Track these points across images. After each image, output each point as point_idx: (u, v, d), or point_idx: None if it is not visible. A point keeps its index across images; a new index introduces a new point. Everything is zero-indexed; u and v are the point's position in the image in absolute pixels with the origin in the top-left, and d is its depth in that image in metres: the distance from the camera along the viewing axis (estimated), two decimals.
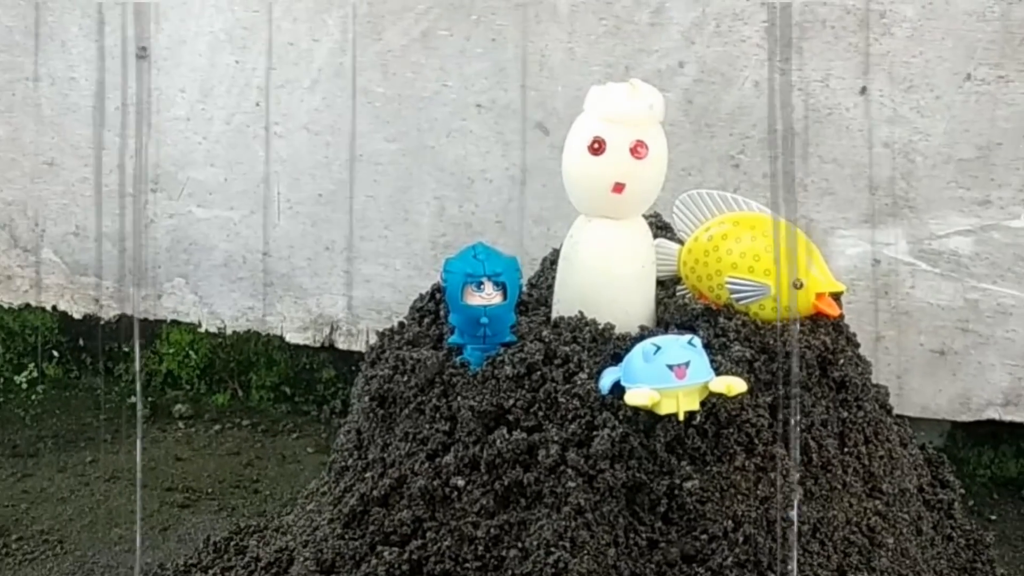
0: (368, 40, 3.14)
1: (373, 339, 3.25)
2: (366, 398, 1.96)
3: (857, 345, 1.97)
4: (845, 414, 1.85)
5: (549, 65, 3.04)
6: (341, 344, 3.43)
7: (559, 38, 3.01)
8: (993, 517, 2.94)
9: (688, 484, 1.67)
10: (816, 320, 1.87)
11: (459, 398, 1.79)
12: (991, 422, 3.03)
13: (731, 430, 1.71)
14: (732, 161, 2.97)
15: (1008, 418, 3.00)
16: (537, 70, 3.05)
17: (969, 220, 2.88)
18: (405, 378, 1.86)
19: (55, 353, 3.65)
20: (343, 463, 2.00)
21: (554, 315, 1.92)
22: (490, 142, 3.14)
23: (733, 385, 1.67)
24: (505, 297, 1.79)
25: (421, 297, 2.06)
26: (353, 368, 3.39)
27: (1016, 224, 2.85)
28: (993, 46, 2.77)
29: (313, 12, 3.16)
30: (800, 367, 1.80)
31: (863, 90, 2.86)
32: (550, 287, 1.98)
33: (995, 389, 2.98)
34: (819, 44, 2.87)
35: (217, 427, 3.39)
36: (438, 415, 1.81)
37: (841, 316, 1.91)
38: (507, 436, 1.72)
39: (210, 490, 3.10)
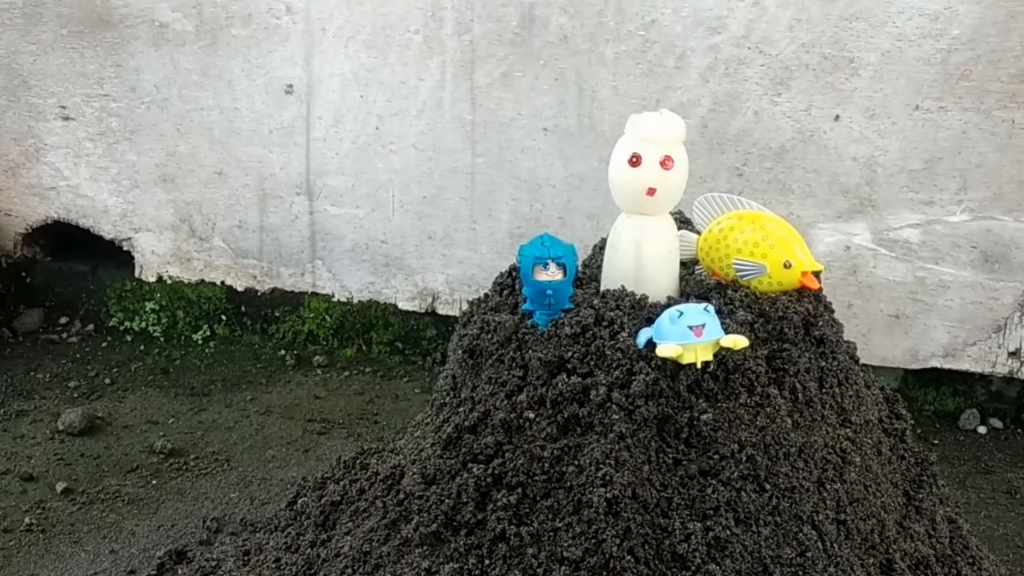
0: (461, 79, 3.35)
1: (465, 307, 3.59)
2: (459, 351, 2.00)
3: (832, 311, 2.00)
4: (823, 363, 1.88)
5: (598, 99, 3.26)
6: (441, 310, 3.67)
7: (606, 78, 3.22)
8: (936, 441, 3.20)
9: (704, 416, 1.73)
10: (801, 292, 1.91)
11: (530, 351, 1.85)
12: (934, 369, 3.30)
13: (736, 375, 1.76)
14: (737, 171, 3.21)
15: (947, 366, 3.27)
16: (589, 102, 3.27)
17: (917, 216, 3.14)
18: (489, 336, 1.92)
19: (223, 317, 3.88)
20: (442, 400, 2.03)
21: (602, 288, 1.95)
22: (553, 157, 3.36)
23: (738, 341, 1.73)
24: (565, 274, 1.86)
25: (501, 275, 2.09)
26: (449, 328, 3.52)
27: (953, 219, 3.11)
28: (935, 84, 3.00)
29: (419, 58, 3.35)
30: (789, 328, 1.84)
31: (836, 117, 3.10)
32: (599, 267, 2.00)
33: (937, 344, 3.24)
34: (803, 82, 3.09)
35: (346, 373, 3.63)
36: (514, 364, 1.86)
37: (820, 289, 1.94)
38: (566, 380, 1.78)
39: (340, 421, 3.35)
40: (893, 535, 1.84)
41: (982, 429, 3.32)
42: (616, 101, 3.27)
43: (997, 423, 3.34)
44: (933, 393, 3.39)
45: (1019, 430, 3.31)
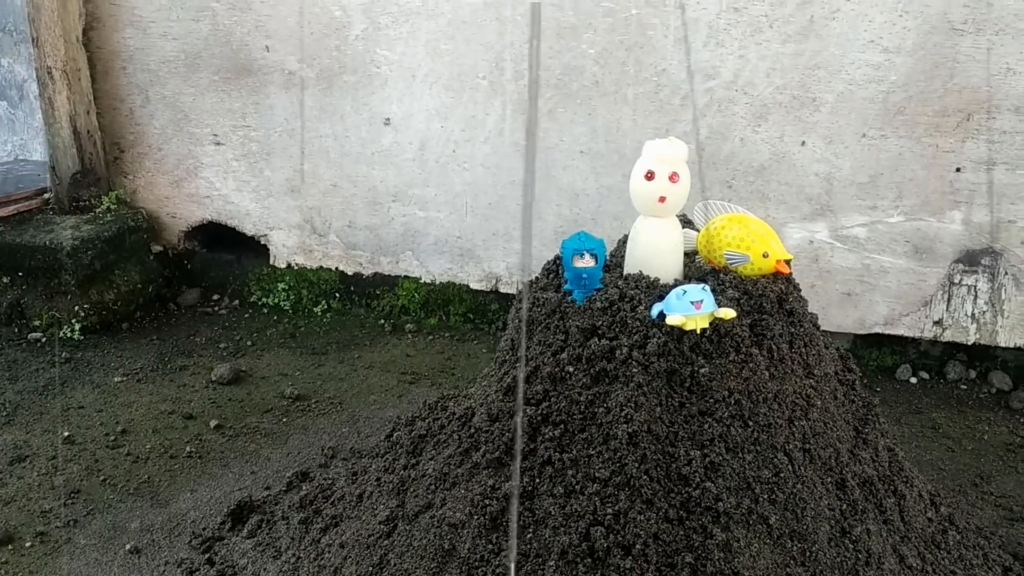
0: (517, 114, 3.33)
1: (521, 287, 3.60)
2: (517, 320, 1.95)
3: (799, 289, 1.92)
4: (792, 330, 1.81)
5: (622, 129, 3.22)
6: (502, 290, 3.63)
7: (627, 113, 3.19)
8: (878, 389, 3.17)
9: (702, 370, 1.67)
10: (776, 275, 1.83)
11: (570, 320, 1.78)
12: (877, 334, 3.26)
13: (727, 339, 1.69)
14: (727, 184, 3.16)
15: (887, 332, 3.23)
16: (615, 131, 3.24)
17: (864, 218, 3.10)
18: (539, 308, 1.85)
19: (336, 295, 3.83)
20: (503, 358, 1.95)
21: (624, 272, 1.87)
22: (587, 173, 3.33)
23: (728, 313, 1.67)
24: (597, 262, 1.79)
25: (547, 263, 2.02)
26: (508, 303, 3.63)
27: (891, 220, 3.07)
28: (878, 118, 2.97)
29: (486, 98, 3.33)
30: (766, 303, 1.77)
31: (803, 143, 3.06)
32: (622, 256, 1.92)
33: (879, 315, 3.20)
34: (777, 116, 3.05)
35: (430, 337, 3.59)
36: (558, 330, 1.79)
37: (790, 273, 1.87)
38: (598, 342, 1.71)
39: (426, 374, 3.30)
40: (846, 460, 1.77)
41: (913, 380, 3.27)
42: (635, 131, 3.23)
43: (925, 375, 3.28)
44: (876, 352, 3.34)
45: (941, 381, 3.25)
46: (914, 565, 1.75)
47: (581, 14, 3.13)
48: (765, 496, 1.60)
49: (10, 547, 2.31)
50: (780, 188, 3.15)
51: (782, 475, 1.63)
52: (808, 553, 1.60)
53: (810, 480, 1.66)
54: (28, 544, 2.33)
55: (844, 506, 1.69)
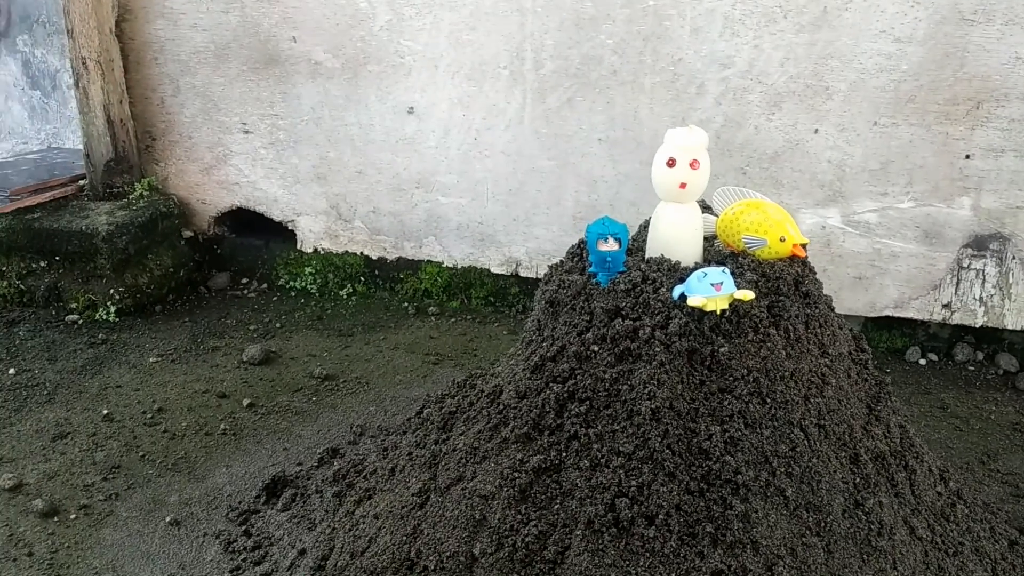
0: (537, 103, 3.35)
1: (544, 271, 3.56)
2: (542, 301, 1.93)
3: (814, 272, 1.92)
4: (808, 311, 1.80)
5: (639, 117, 3.25)
6: (522, 273, 3.66)
7: (644, 102, 3.22)
8: (888, 370, 3.19)
9: (722, 349, 1.67)
10: (792, 259, 1.83)
11: (594, 302, 1.79)
12: (887, 317, 3.29)
13: (745, 319, 1.69)
14: (742, 171, 3.20)
15: (897, 315, 3.25)
16: (632, 120, 3.26)
17: (875, 204, 3.12)
18: (565, 290, 1.85)
19: (361, 278, 3.87)
20: (529, 338, 1.95)
21: (647, 256, 1.88)
22: (605, 160, 3.35)
23: (747, 294, 1.68)
24: (620, 246, 1.79)
25: (572, 247, 2.02)
26: (528, 287, 3.67)
27: (902, 206, 3.09)
28: (890, 106, 2.99)
29: (506, 87, 3.36)
30: (783, 285, 1.77)
31: (816, 131, 3.08)
32: (644, 240, 1.91)
33: (889, 298, 3.23)
34: (791, 105, 3.07)
35: (452, 320, 3.63)
36: (583, 311, 1.80)
37: (805, 257, 1.86)
38: (621, 322, 1.71)
39: (449, 355, 3.34)
40: (859, 435, 1.79)
41: (922, 361, 3.29)
42: (652, 119, 3.25)
43: (933, 357, 3.30)
44: (886, 334, 3.36)
45: (950, 362, 3.27)
46: (924, 536, 1.79)
47: (600, 5, 3.16)
48: (782, 469, 1.64)
49: (56, 519, 2.38)
50: (793, 175, 3.17)
51: (798, 449, 1.66)
52: (823, 524, 1.64)
53: (825, 455, 1.69)
54: (72, 516, 2.39)
55: (857, 479, 1.73)
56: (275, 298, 3.83)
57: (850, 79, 3.02)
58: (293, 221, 3.88)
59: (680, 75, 3.17)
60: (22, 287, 3.55)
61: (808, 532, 1.62)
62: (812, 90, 3.07)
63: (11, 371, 3.09)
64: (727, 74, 3.12)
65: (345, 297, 3.84)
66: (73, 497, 2.46)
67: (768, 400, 1.67)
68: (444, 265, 3.77)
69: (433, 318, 3.66)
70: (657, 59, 3.17)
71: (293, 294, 3.87)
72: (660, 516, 1.58)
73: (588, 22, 3.19)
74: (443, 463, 1.89)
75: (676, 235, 1.82)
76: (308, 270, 3.90)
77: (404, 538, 1.79)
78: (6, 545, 2.27)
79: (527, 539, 1.63)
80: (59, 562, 2.22)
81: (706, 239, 1.89)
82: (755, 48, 3.07)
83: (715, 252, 1.90)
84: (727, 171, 3.20)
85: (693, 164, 1.74)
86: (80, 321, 3.48)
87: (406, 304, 3.76)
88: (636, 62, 3.19)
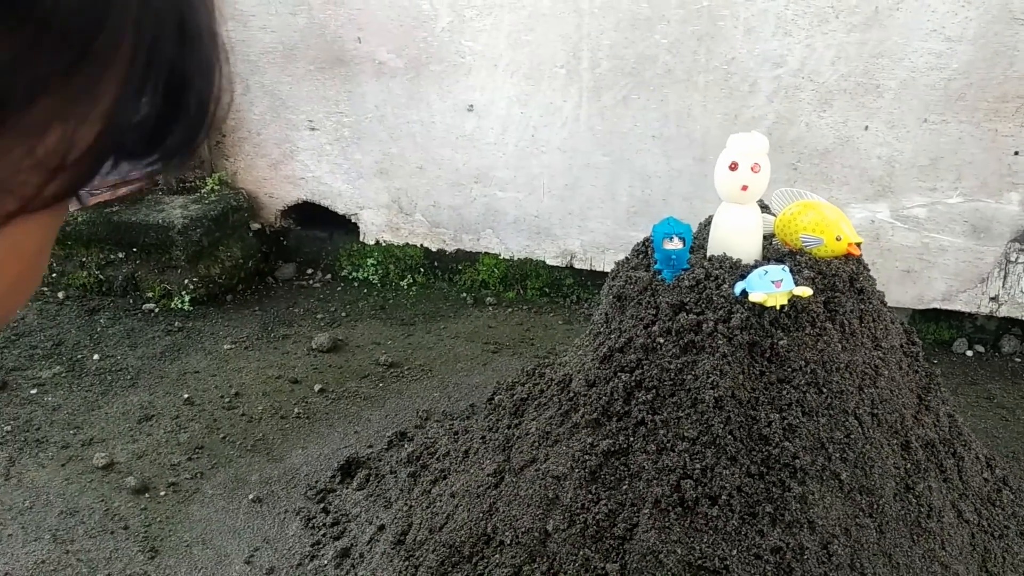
0: (593, 101, 3.44)
1: (598, 263, 3.67)
2: (610, 296, 2.00)
3: (868, 269, 1.99)
4: (862, 306, 1.88)
5: (692, 114, 3.33)
6: (576, 265, 3.76)
7: (698, 100, 3.30)
8: (935, 362, 3.15)
9: (781, 342, 1.75)
10: (847, 257, 1.89)
11: (660, 297, 1.87)
12: (935, 310, 3.36)
13: (803, 314, 1.77)
14: (792, 167, 3.28)
15: (944, 307, 3.32)
16: (685, 117, 3.34)
17: (924, 199, 3.19)
18: (632, 286, 1.94)
19: (421, 269, 3.99)
20: (597, 330, 2.02)
21: (709, 254, 1.94)
22: (659, 156, 3.43)
23: (805, 291, 1.74)
24: (684, 244, 1.86)
25: (637, 244, 2.09)
26: (583, 278, 3.77)
27: (950, 201, 3.16)
28: (939, 103, 3.05)
29: (563, 85, 3.44)
30: (839, 282, 1.84)
31: (866, 128, 3.15)
32: (706, 239, 1.98)
33: (937, 291, 3.30)
34: (842, 102, 3.14)
35: (509, 310, 3.74)
36: (649, 305, 1.88)
37: (860, 255, 1.92)
38: (686, 316, 1.80)
39: (507, 343, 3.45)
40: (910, 424, 1.87)
41: (969, 353, 3.35)
42: (705, 116, 3.33)
43: (980, 348, 3.37)
44: (934, 326, 3.42)
45: (996, 354, 3.33)
46: (971, 519, 1.89)
47: (655, 6, 3.24)
48: (837, 455, 1.74)
49: (147, 495, 2.54)
50: (843, 170, 3.25)
51: (852, 436, 1.75)
52: (875, 506, 1.75)
53: (877, 441, 1.79)
54: (162, 493, 2.55)
55: (908, 465, 1.83)
56: (339, 288, 3.96)
57: (900, 77, 3.08)
58: (356, 214, 4.00)
59: (733, 73, 3.25)
60: (101, 277, 3.72)
61: (861, 513, 1.73)
62: (863, 88, 3.13)
63: (96, 357, 3.26)
64: (779, 72, 3.20)
65: (406, 287, 3.96)
66: (161, 475, 2.62)
67: (824, 390, 1.76)
68: (501, 257, 3.88)
69: (491, 308, 3.77)
70: (711, 58, 3.25)
71: (356, 284, 3.99)
72: (723, 497, 1.69)
73: (643, 22, 3.28)
74: (516, 446, 2.01)
75: (737, 234, 1.91)
76: (370, 261, 4.02)
77: (481, 515, 1.92)
78: (103, 519, 2.44)
79: (598, 516, 1.75)
80: (152, 535, 2.39)
81: (765, 238, 1.97)
82: (807, 47, 3.14)
83: (774, 250, 1.97)
84: (779, 167, 3.23)
85: (754, 168, 1.84)
86: (156, 309, 3.64)
87: (464, 294, 3.88)
88: (690, 61, 3.28)
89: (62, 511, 2.46)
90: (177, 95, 0.51)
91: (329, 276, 4.07)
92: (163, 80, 0.49)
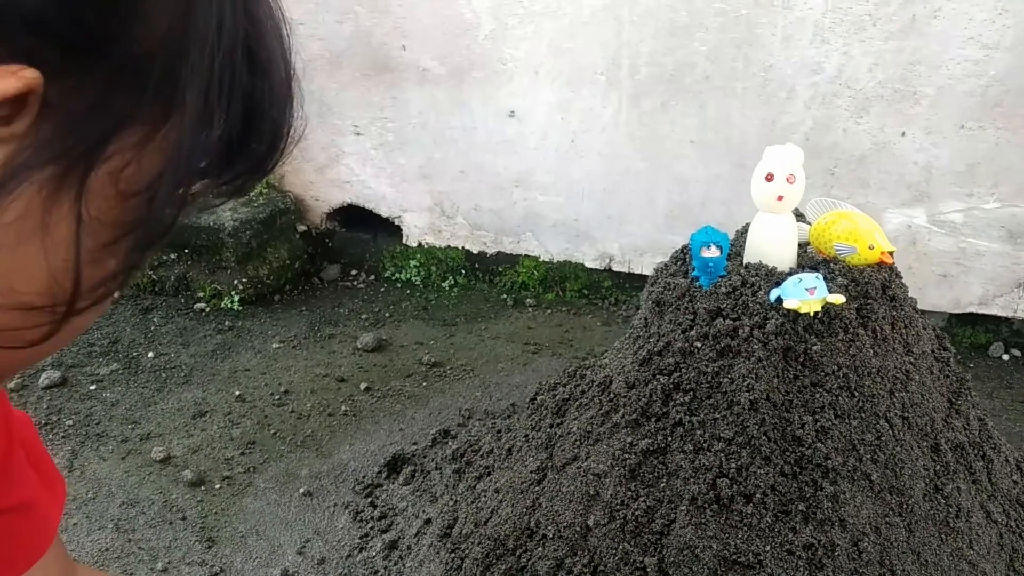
0: (632, 107, 3.50)
1: (636, 266, 3.74)
2: (649, 301, 2.05)
3: (900, 277, 2.00)
4: (894, 312, 1.91)
5: (730, 120, 3.38)
6: (615, 268, 3.84)
7: (736, 106, 3.36)
8: (971, 365, 3.30)
9: (814, 347, 1.79)
10: (880, 265, 1.92)
11: (698, 303, 1.92)
12: (971, 313, 3.40)
13: (836, 321, 1.80)
14: (830, 172, 3.33)
15: (981, 311, 3.37)
16: (723, 123, 3.40)
17: (961, 204, 3.23)
18: (671, 292, 1.99)
19: (463, 271, 4.08)
20: (637, 334, 2.07)
21: (745, 261, 1.98)
22: (696, 161, 3.50)
23: (838, 298, 1.78)
24: (721, 252, 1.91)
25: (676, 251, 2.13)
26: (621, 281, 3.85)
27: (987, 207, 3.20)
28: (976, 110, 3.09)
29: (603, 92, 3.51)
30: (871, 289, 1.87)
31: (903, 134, 3.19)
32: (742, 246, 2.02)
33: (974, 295, 3.35)
34: (879, 109, 3.19)
35: (549, 311, 3.82)
36: (687, 311, 1.93)
37: (893, 263, 1.95)
38: (723, 321, 1.85)
39: (546, 344, 3.53)
40: (940, 427, 1.92)
41: (1005, 357, 3.38)
42: (743, 122, 3.38)
43: (1016, 352, 3.39)
44: (970, 330, 3.46)
45: None
46: (999, 520, 1.95)
47: (694, 14, 3.30)
48: (868, 456, 1.80)
49: (203, 487, 2.66)
50: (880, 176, 3.29)
51: (883, 438, 1.81)
52: (905, 506, 1.81)
53: (908, 443, 1.85)
54: (217, 486, 2.67)
55: (938, 467, 1.88)
56: (382, 289, 4.06)
57: (937, 84, 3.12)
58: (399, 217, 4.10)
59: (771, 80, 3.31)
60: (154, 277, 3.85)
61: (891, 512, 1.79)
62: (900, 95, 3.18)
63: (150, 354, 3.39)
64: (817, 79, 3.25)
65: (447, 289, 4.05)
66: (216, 469, 2.74)
67: (856, 394, 1.82)
68: (541, 259, 3.96)
69: (530, 309, 3.85)
70: (749, 65, 3.31)
71: (399, 285, 4.09)
72: (757, 495, 1.76)
73: (682, 30, 3.34)
74: (558, 444, 2.09)
75: (773, 243, 1.96)
76: (413, 263, 4.12)
77: (524, 510, 2.00)
78: (162, 510, 2.56)
79: (636, 512, 1.83)
80: (209, 526, 2.50)
81: (800, 246, 2.02)
82: (844, 55, 3.19)
83: (809, 258, 2.02)
84: (816, 172, 3.33)
85: (789, 179, 1.89)
86: (207, 309, 3.77)
87: (504, 296, 3.96)
88: (728, 68, 3.34)
89: (123, 502, 2.59)
90: (250, 120, 0.57)
91: (373, 277, 4.17)
92: (236, 108, 0.55)
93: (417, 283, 4.10)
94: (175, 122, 0.52)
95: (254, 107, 0.56)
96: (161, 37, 0.49)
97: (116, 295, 0.60)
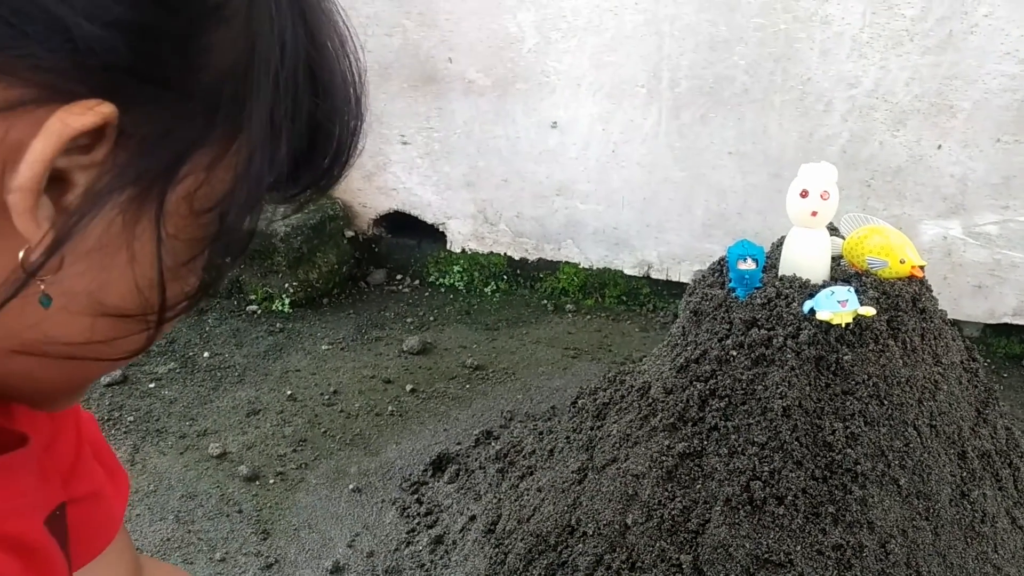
0: (672, 119, 3.58)
1: (674, 274, 3.82)
2: (687, 310, 2.12)
3: (930, 290, 2.06)
4: (923, 325, 1.96)
5: (768, 132, 3.45)
6: (653, 275, 3.92)
7: (774, 118, 3.42)
8: (1005, 375, 3.35)
9: (845, 357, 1.85)
10: (911, 279, 1.98)
11: (734, 313, 1.99)
12: (1006, 324, 3.44)
13: (867, 332, 1.86)
14: (866, 184, 3.39)
15: (1015, 322, 3.41)
16: (761, 134, 3.47)
17: (996, 216, 3.27)
18: (708, 302, 2.06)
19: (504, 277, 4.18)
20: (675, 342, 2.15)
21: (780, 274, 2.05)
22: (734, 172, 3.57)
23: (869, 310, 1.83)
24: (757, 265, 1.98)
25: (713, 263, 2.20)
26: (659, 288, 3.92)
27: (1022, 219, 3.23)
28: (1012, 124, 3.13)
29: (643, 104, 3.58)
30: (902, 302, 1.93)
31: (939, 147, 3.24)
32: (777, 259, 2.07)
33: (1008, 306, 3.39)
34: (915, 122, 3.23)
35: (588, 317, 3.89)
36: (723, 320, 2.00)
37: (923, 277, 2.00)
38: (758, 331, 1.91)
39: (586, 349, 3.60)
40: (967, 435, 1.98)
41: None
42: (780, 134, 3.45)
43: None
44: (1005, 340, 3.50)
45: None
46: None
47: (734, 29, 3.37)
48: (896, 462, 1.87)
49: (257, 482, 2.78)
50: (916, 188, 3.35)
51: (911, 445, 1.88)
52: (931, 510, 1.88)
53: (935, 450, 1.91)
54: (271, 481, 2.79)
55: (964, 473, 1.95)
56: (427, 293, 4.17)
57: (974, 98, 3.17)
58: (444, 224, 4.21)
59: (808, 93, 3.37)
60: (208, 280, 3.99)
61: (918, 516, 1.87)
62: (936, 108, 3.23)
63: (206, 354, 3.53)
64: (854, 93, 3.31)
65: (489, 294, 4.15)
66: (269, 465, 2.86)
67: (885, 402, 1.89)
68: (580, 266, 4.05)
69: (570, 315, 3.94)
70: (787, 79, 3.38)
71: (442, 290, 4.20)
72: (788, 497, 1.83)
73: (722, 44, 3.42)
74: (599, 446, 2.18)
75: (807, 257, 2.03)
76: (456, 268, 4.23)
77: (565, 508, 2.10)
78: (219, 503, 2.69)
79: (673, 512, 1.92)
80: (264, 519, 2.62)
81: (833, 259, 2.08)
82: (881, 69, 3.25)
83: (841, 271, 2.08)
84: (852, 183, 3.39)
85: (823, 195, 1.95)
86: (259, 311, 3.90)
87: (545, 301, 4.05)
88: (767, 81, 3.41)
89: (182, 495, 2.72)
90: (315, 138, 0.60)
91: (417, 282, 4.28)
92: (301, 126, 0.58)
93: (460, 288, 4.20)
94: (243, 142, 0.54)
95: (318, 125, 0.59)
96: (228, 66, 0.52)
97: (201, 305, 0.64)
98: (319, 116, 0.58)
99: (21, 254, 0.49)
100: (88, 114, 0.46)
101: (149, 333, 0.58)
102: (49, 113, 0.46)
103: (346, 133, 0.63)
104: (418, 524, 2.55)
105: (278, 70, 0.53)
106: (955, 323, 3.12)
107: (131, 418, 3.09)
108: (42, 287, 0.50)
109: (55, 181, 0.47)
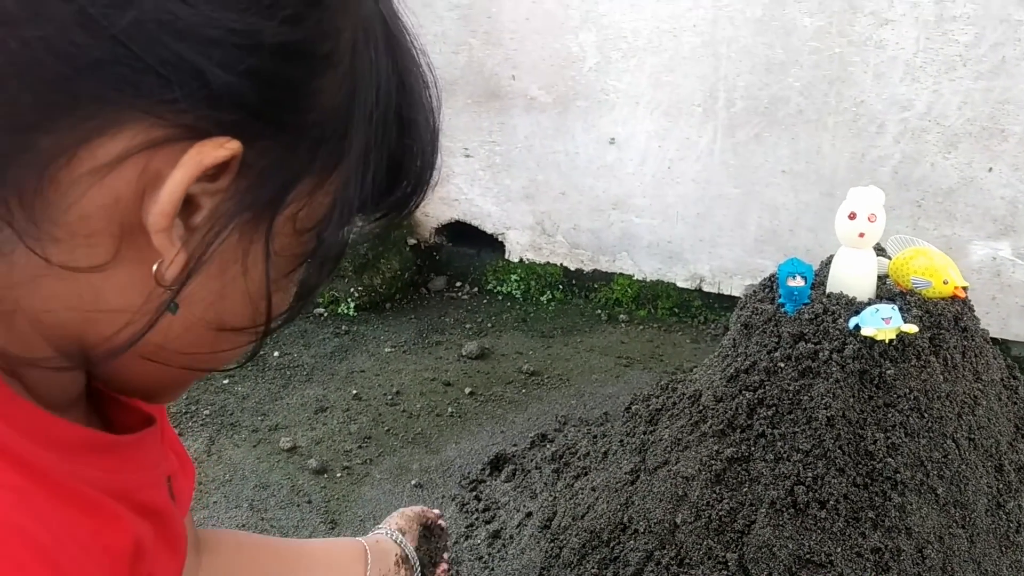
0: (727, 137, 3.68)
1: (725, 287, 3.91)
2: (738, 323, 2.20)
3: (973, 309, 2.11)
4: (965, 343, 2.02)
5: (821, 152, 3.53)
6: (705, 288, 4.01)
7: (827, 138, 3.50)
8: None
9: (888, 372, 1.92)
10: (954, 299, 2.04)
11: (782, 327, 2.05)
12: None
13: (909, 348, 1.93)
14: (917, 204, 3.45)
15: None
16: (815, 154, 3.55)
17: None
18: (758, 316, 2.12)
19: (560, 286, 4.27)
20: (726, 352, 2.22)
21: (827, 291, 2.11)
22: (787, 190, 3.65)
23: (912, 328, 1.89)
24: (806, 283, 2.04)
25: (764, 279, 2.28)
26: (711, 301, 4.00)
27: None
28: None
29: (699, 123, 3.69)
30: (944, 320, 1.99)
31: (990, 169, 3.30)
32: (825, 277, 2.14)
33: None
34: (967, 145, 3.30)
35: (641, 327, 3.98)
36: (772, 334, 2.07)
37: (966, 297, 2.05)
38: (805, 345, 1.98)
39: (638, 358, 3.69)
40: (1005, 449, 2.05)
41: None
42: (833, 154, 3.52)
43: None
44: None
45: None
46: None
47: (790, 52, 3.47)
48: (935, 472, 1.95)
49: (325, 475, 2.94)
50: (967, 209, 3.41)
51: (949, 457, 1.96)
52: (968, 519, 1.97)
53: (973, 462, 1.99)
54: (338, 475, 2.94)
55: (1000, 485, 2.04)
56: (485, 301, 4.29)
57: None
58: (503, 234, 4.34)
59: (861, 115, 3.45)
60: None
61: (954, 524, 1.96)
62: (988, 132, 3.29)
63: (275, 354, 3.70)
64: (906, 115, 3.38)
65: (545, 302, 4.26)
66: (336, 459, 3.02)
67: (926, 415, 1.97)
68: (635, 278, 4.15)
69: (623, 325, 4.04)
70: (840, 100, 3.46)
71: (500, 298, 4.32)
72: (830, 502, 1.93)
73: (778, 66, 3.51)
74: (651, 450, 2.29)
75: (853, 276, 2.11)
76: (514, 277, 4.34)
77: (618, 507, 2.22)
78: (290, 494, 2.84)
79: (720, 513, 2.03)
80: (331, 510, 2.78)
81: (879, 279, 2.16)
82: (934, 92, 3.31)
83: (887, 290, 2.15)
84: (903, 204, 3.46)
85: (871, 217, 2.04)
86: (325, 314, 4.07)
87: (599, 311, 4.15)
88: (820, 103, 3.49)
89: (256, 485, 2.88)
90: (399, 168, 0.69)
91: (476, 289, 4.40)
92: (387, 158, 0.65)
93: (517, 296, 4.31)
94: (340, 171, 0.60)
95: (402, 158, 0.67)
96: (333, 106, 0.58)
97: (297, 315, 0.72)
98: (403, 150, 0.66)
99: (155, 267, 0.55)
100: (220, 150, 0.52)
101: (255, 343, 0.66)
102: (186, 148, 0.52)
103: (425, 167, 0.70)
104: (476, 519, 2.68)
105: (373, 110, 0.60)
106: (1004, 342, 3.30)
107: (207, 412, 3.26)
108: (173, 298, 0.57)
109: (186, 204, 0.54)
